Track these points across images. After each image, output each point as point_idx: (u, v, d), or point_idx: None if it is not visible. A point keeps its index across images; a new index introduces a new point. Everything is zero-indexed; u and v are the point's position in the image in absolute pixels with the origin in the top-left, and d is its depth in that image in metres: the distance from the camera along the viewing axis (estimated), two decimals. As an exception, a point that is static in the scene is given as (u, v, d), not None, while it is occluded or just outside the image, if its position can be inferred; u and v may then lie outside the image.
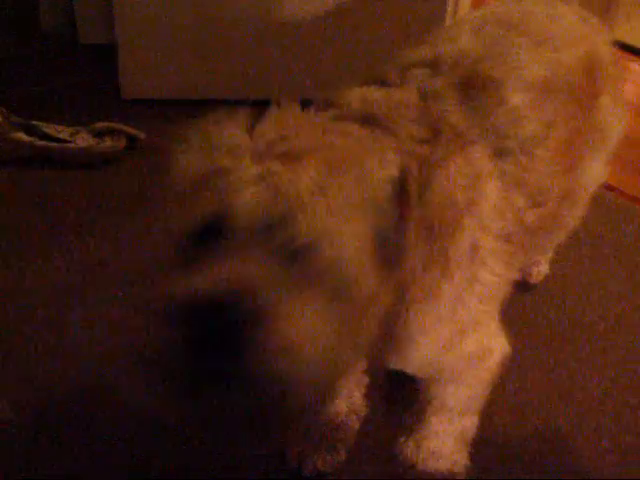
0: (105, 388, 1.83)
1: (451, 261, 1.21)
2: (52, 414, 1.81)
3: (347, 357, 1.00)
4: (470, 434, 1.64)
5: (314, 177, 0.97)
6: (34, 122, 2.69)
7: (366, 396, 1.82)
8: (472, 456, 1.71)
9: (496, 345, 1.46)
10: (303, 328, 0.90)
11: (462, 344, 1.34)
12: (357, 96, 1.28)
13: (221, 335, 0.85)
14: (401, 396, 1.84)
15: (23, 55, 3.39)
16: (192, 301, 0.87)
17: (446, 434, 1.59)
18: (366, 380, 1.81)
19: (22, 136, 2.65)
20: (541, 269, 2.24)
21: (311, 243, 0.93)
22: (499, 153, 1.30)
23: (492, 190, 1.27)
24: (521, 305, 2.19)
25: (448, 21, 2.91)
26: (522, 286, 2.23)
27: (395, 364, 1.41)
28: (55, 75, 3.19)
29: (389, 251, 1.03)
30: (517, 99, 1.35)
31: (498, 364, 1.48)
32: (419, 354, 1.33)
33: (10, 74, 3.22)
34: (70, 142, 2.67)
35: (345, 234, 0.96)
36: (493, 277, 1.29)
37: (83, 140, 2.66)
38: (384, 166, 1.04)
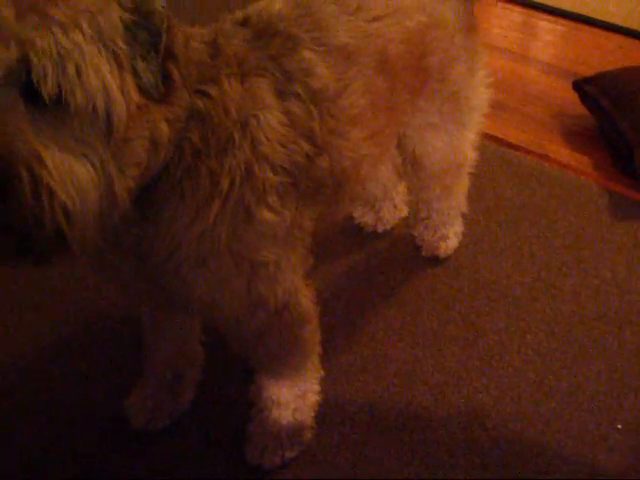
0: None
1: (222, 179, 1.23)
2: None
3: (111, 194, 1.06)
4: (307, 385, 1.66)
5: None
6: None
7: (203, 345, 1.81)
8: (394, 443, 1.71)
9: (300, 300, 1.47)
10: (65, 172, 0.98)
11: (253, 285, 1.34)
12: None
13: None
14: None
15: None
16: None
17: (277, 385, 1.61)
18: (197, 326, 1.78)
19: None
20: (449, 243, 2.20)
21: (59, 86, 0.97)
22: (285, 93, 1.34)
23: (272, 120, 1.29)
24: (433, 281, 2.16)
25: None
26: (432, 261, 2.20)
27: (176, 292, 1.36)
28: None
29: (148, 86, 1.07)
30: (310, 54, 1.39)
31: (303, 321, 1.50)
32: (196, 282, 1.31)
33: None
34: None
35: (90, 72, 0.99)
36: (275, 216, 1.31)
37: None
38: None
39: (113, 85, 1.02)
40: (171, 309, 1.61)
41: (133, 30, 1.05)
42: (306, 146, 1.35)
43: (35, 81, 0.96)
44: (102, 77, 1.00)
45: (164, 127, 1.12)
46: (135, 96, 1.05)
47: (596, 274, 2.18)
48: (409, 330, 2.00)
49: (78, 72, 0.98)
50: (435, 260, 2.21)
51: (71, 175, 0.99)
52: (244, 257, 1.30)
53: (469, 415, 1.79)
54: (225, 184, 1.23)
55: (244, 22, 1.40)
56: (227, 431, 1.75)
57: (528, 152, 2.67)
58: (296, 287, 1.45)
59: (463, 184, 2.10)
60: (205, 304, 1.34)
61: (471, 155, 2.00)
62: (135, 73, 1.05)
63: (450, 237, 2.20)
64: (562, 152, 2.68)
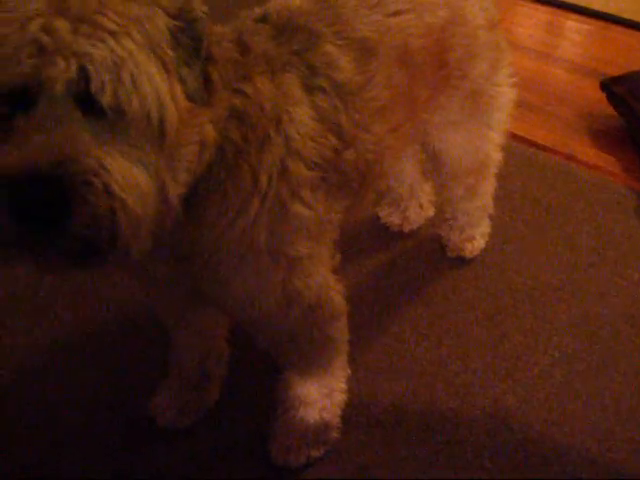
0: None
1: (261, 175, 1.25)
2: None
3: (165, 200, 1.09)
4: (335, 383, 1.67)
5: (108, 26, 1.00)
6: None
7: (230, 343, 1.82)
8: (419, 443, 1.71)
9: (332, 295, 1.48)
10: (125, 177, 0.99)
11: (289, 281, 1.35)
12: None
13: (49, 199, 0.94)
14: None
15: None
16: (20, 174, 0.94)
17: (305, 384, 1.62)
18: (225, 324, 1.79)
19: None
20: (475, 244, 2.20)
21: (118, 97, 0.99)
22: (311, 88, 1.35)
23: (302, 115, 1.31)
24: (459, 281, 2.15)
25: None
26: (458, 261, 2.20)
27: (213, 290, 1.38)
28: None
29: (192, 91, 1.09)
30: (332, 48, 1.40)
31: (334, 317, 1.51)
32: (234, 279, 1.32)
33: None
34: None
35: (144, 80, 1.01)
36: (308, 211, 1.32)
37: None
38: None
39: (165, 92, 1.03)
40: (202, 307, 1.62)
41: (177, 36, 1.07)
42: (334, 140, 1.36)
43: (94, 92, 0.97)
44: (155, 84, 1.02)
45: (210, 129, 1.14)
46: (183, 102, 1.07)
47: (623, 275, 2.17)
48: (435, 330, 2.00)
49: (133, 80, 1.00)
50: (461, 260, 2.21)
51: (133, 181, 1.01)
52: (281, 252, 1.31)
53: (494, 416, 1.79)
54: (264, 181, 1.25)
55: (263, 19, 1.42)
56: (252, 430, 1.75)
57: (555, 152, 2.66)
58: (327, 282, 1.46)
59: (489, 185, 2.09)
60: (242, 301, 1.35)
61: (496, 155, 1.98)
62: (181, 79, 1.07)
63: (476, 238, 2.20)
64: (589, 152, 2.67)
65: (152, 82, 1.02)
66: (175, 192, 1.09)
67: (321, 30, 1.41)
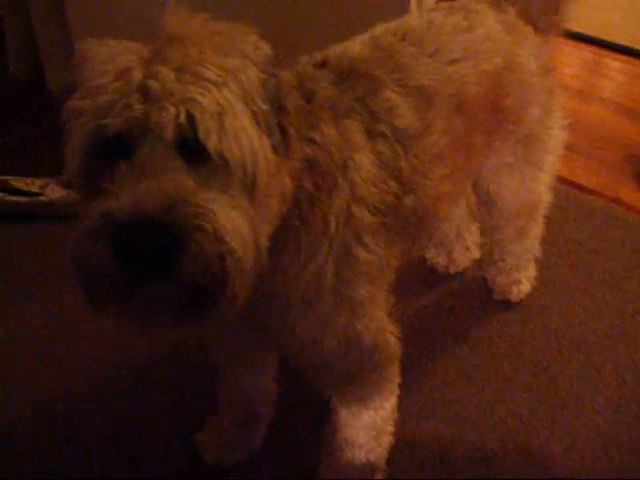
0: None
1: (330, 221, 1.26)
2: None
3: (261, 246, 1.09)
4: (383, 426, 1.64)
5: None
6: (2, 177, 2.65)
7: (277, 383, 1.81)
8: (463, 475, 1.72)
9: (388, 338, 1.49)
10: (230, 224, 1.00)
11: (350, 323, 1.36)
12: None
13: (164, 247, 0.94)
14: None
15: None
16: (130, 219, 0.94)
17: (354, 426, 1.60)
18: (274, 364, 1.78)
19: (-10, 193, 2.61)
20: (522, 287, 2.20)
21: (220, 145, 1.01)
22: (373, 134, 1.37)
23: (365, 162, 1.33)
24: (504, 325, 2.15)
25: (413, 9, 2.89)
26: (504, 305, 2.20)
27: (277, 333, 1.38)
28: (23, 125, 3.16)
29: (276, 142, 1.11)
30: (392, 94, 1.42)
31: (389, 359, 1.51)
32: (299, 323, 1.33)
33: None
34: (40, 195, 2.63)
35: (241, 130, 1.03)
36: (370, 255, 1.34)
37: (53, 192, 2.62)
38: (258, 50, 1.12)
39: (257, 144, 1.05)
40: (255, 347, 1.63)
41: (266, 89, 1.09)
42: (394, 185, 1.38)
43: (202, 138, 0.99)
44: (249, 135, 1.04)
45: (288, 181, 1.16)
46: (270, 154, 1.09)
47: (670, 322, 2.16)
48: (480, 374, 1.99)
49: (233, 129, 1.02)
50: (507, 304, 2.21)
51: (236, 227, 1.02)
52: (344, 296, 1.32)
53: (539, 464, 1.78)
54: (333, 226, 1.27)
55: (322, 64, 1.44)
56: (297, 469, 1.76)
57: (600, 195, 2.66)
58: (385, 325, 1.47)
59: (537, 227, 2.09)
60: (305, 345, 1.36)
61: (546, 197, 2.00)
62: (268, 131, 1.09)
63: (523, 281, 2.20)
64: (635, 196, 2.66)
65: (248, 133, 1.04)
66: (263, 242, 1.10)
67: (381, 77, 1.43)
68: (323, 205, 1.25)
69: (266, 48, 1.13)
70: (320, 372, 1.48)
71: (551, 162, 1.90)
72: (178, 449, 1.81)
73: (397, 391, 1.62)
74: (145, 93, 1.00)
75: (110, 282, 1.00)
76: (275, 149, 1.10)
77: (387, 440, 1.68)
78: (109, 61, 1.05)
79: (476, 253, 2.35)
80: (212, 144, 1.00)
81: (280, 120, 1.13)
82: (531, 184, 1.88)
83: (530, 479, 1.76)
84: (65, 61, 3.14)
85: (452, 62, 1.53)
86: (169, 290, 1.00)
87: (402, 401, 1.76)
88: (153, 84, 1.00)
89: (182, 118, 0.99)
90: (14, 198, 2.63)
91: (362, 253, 1.32)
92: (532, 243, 2.13)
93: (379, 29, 1.58)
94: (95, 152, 1.05)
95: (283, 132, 1.14)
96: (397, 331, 1.51)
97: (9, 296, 2.31)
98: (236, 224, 1.02)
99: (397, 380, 1.59)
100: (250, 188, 1.05)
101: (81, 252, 1.00)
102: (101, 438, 1.85)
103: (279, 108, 1.13)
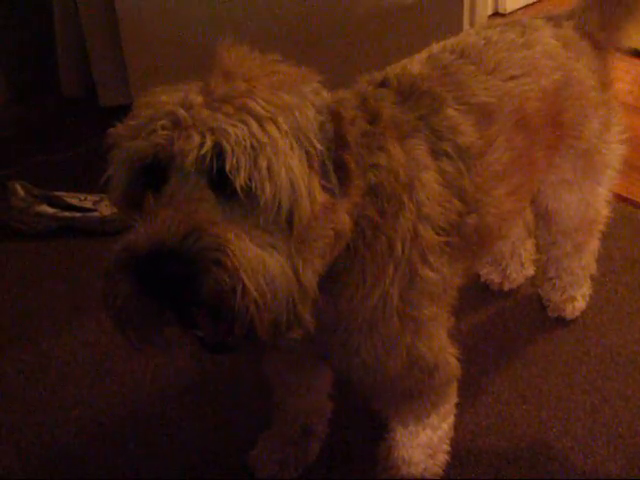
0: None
1: (396, 243, 1.25)
2: None
3: (305, 284, 1.07)
4: (440, 445, 1.66)
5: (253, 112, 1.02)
6: (56, 193, 2.70)
7: (332, 399, 1.82)
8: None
9: (448, 358, 1.49)
10: (250, 261, 0.98)
11: (413, 344, 1.36)
12: None
13: (180, 276, 0.95)
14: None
15: (43, 121, 3.42)
16: (146, 250, 0.95)
17: (411, 445, 1.61)
18: (329, 380, 1.78)
19: (45, 208, 2.65)
20: (576, 305, 2.18)
21: (251, 180, 0.99)
22: (437, 153, 1.38)
23: (430, 181, 1.33)
24: (559, 343, 2.13)
25: (466, 27, 2.91)
26: (558, 322, 2.18)
27: (340, 356, 1.39)
28: (76, 141, 3.20)
29: (330, 181, 1.09)
30: (454, 112, 1.43)
31: (449, 380, 1.52)
32: (364, 346, 1.33)
33: (30, 143, 3.25)
34: (94, 210, 2.67)
35: (281, 169, 1.01)
36: (435, 275, 1.34)
37: (107, 208, 2.65)
38: (318, 94, 1.12)
39: (301, 185, 1.03)
40: (311, 367, 1.63)
41: (323, 130, 1.09)
42: (458, 204, 1.38)
43: (228, 171, 0.98)
44: (291, 176, 1.02)
45: (346, 219, 1.14)
46: (320, 197, 1.06)
47: None
48: (534, 392, 1.97)
49: (269, 167, 1.00)
50: (561, 321, 2.19)
51: (262, 266, 1.00)
52: (409, 316, 1.32)
53: (596, 484, 1.76)
54: (398, 248, 1.26)
55: (382, 83, 1.44)
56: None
57: (657, 214, 2.62)
58: (446, 345, 1.47)
59: (594, 243, 2.08)
60: (367, 366, 1.36)
61: (604, 212, 1.99)
62: (323, 173, 1.08)
63: (577, 299, 2.18)
64: (692, 214, 2.62)
65: (289, 173, 1.02)
66: (308, 278, 1.07)
67: (443, 95, 1.44)
68: (388, 230, 1.25)
69: (327, 97, 1.13)
70: (380, 392, 1.48)
71: (610, 177, 1.89)
72: (228, 465, 1.82)
73: (454, 411, 1.62)
74: (174, 121, 1.01)
75: (135, 313, 1.03)
76: (330, 191, 1.09)
77: (442, 458, 1.68)
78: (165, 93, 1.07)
79: (531, 270, 2.33)
80: (240, 179, 0.98)
81: (341, 155, 1.11)
82: (590, 199, 1.87)
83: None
84: (116, 77, 3.21)
85: (511, 78, 1.54)
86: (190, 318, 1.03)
87: (456, 418, 1.76)
88: (181, 111, 1.01)
89: (207, 148, 0.98)
90: (68, 214, 2.67)
91: (427, 273, 1.32)
92: (588, 260, 2.11)
93: (436, 47, 1.59)
94: (132, 183, 1.07)
95: (344, 168, 1.12)
96: (457, 352, 1.51)
97: (64, 311, 2.34)
98: (259, 260, 1.00)
99: (455, 400, 1.60)
100: (287, 227, 1.03)
101: (105, 285, 1.03)
102: (152, 450, 1.87)
103: (340, 143, 1.11)
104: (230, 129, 0.99)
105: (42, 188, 2.73)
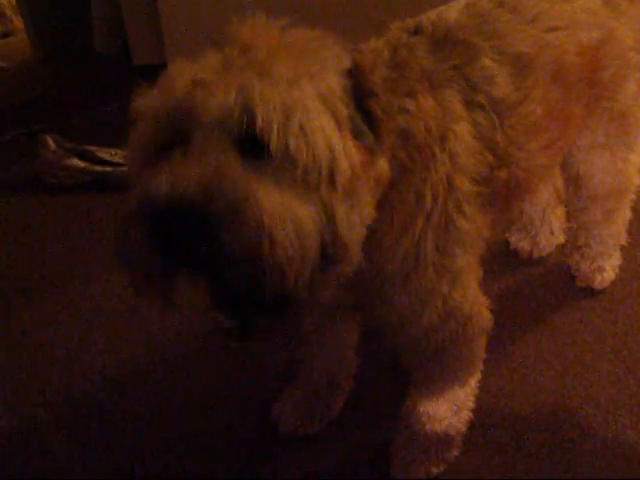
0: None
1: (427, 193, 1.25)
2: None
3: (340, 242, 1.05)
4: (465, 402, 1.66)
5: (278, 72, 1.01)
6: (87, 147, 2.71)
7: (358, 354, 1.82)
8: (538, 471, 1.70)
9: (481, 309, 1.48)
10: (281, 213, 0.96)
11: (449, 294, 1.36)
12: None
13: (198, 229, 0.92)
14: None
15: (77, 79, 3.43)
16: (169, 200, 0.92)
17: (438, 400, 1.60)
18: (356, 335, 1.79)
19: (76, 162, 2.67)
20: (605, 275, 2.16)
21: (278, 142, 0.98)
22: (471, 104, 1.36)
23: (464, 132, 1.31)
24: (586, 312, 2.12)
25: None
26: (586, 292, 2.17)
27: (375, 308, 1.38)
28: (109, 98, 3.22)
29: (365, 138, 1.09)
30: (490, 62, 1.40)
31: (482, 331, 1.51)
32: (399, 297, 1.33)
33: (64, 99, 3.27)
34: (124, 165, 2.67)
35: (315, 131, 1.00)
36: (469, 224, 1.33)
37: (137, 162, 2.66)
38: (340, 59, 1.11)
39: (338, 147, 1.03)
40: (340, 319, 1.64)
41: (351, 94, 1.08)
42: (489, 157, 1.37)
43: (259, 133, 0.97)
44: (326, 137, 1.02)
45: (383, 166, 1.14)
46: (357, 156, 1.06)
47: None
48: (560, 360, 1.97)
49: (302, 128, 0.99)
50: (590, 291, 2.18)
51: (290, 217, 0.97)
52: (445, 266, 1.32)
53: (616, 451, 1.75)
54: (429, 200, 1.25)
55: (416, 31, 1.42)
56: (374, 441, 1.76)
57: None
58: (478, 295, 1.47)
59: (624, 211, 2.07)
60: (403, 318, 1.36)
61: (636, 181, 1.97)
62: (355, 134, 1.07)
63: (607, 269, 2.17)
64: None
65: (324, 134, 1.01)
66: (351, 234, 1.06)
67: (479, 44, 1.41)
68: (417, 179, 1.24)
69: (348, 61, 1.12)
70: (413, 345, 1.48)
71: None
72: (251, 416, 1.84)
73: (481, 367, 1.61)
74: (195, 81, 1.01)
75: (148, 266, 1.00)
76: (367, 148, 1.08)
77: (467, 416, 1.68)
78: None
79: (560, 238, 2.32)
80: (273, 141, 0.97)
81: (369, 104, 1.10)
82: (622, 165, 1.86)
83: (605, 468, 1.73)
84: (151, 37, 3.22)
85: (551, 30, 1.51)
86: (206, 277, 1.01)
87: (480, 380, 1.76)
88: (202, 74, 1.01)
89: (231, 102, 0.97)
90: (99, 167, 2.68)
91: (463, 223, 1.31)
92: (619, 229, 2.10)
93: None
94: (151, 145, 1.06)
95: (372, 116, 1.10)
96: (489, 303, 1.51)
97: (92, 262, 2.37)
98: (290, 213, 0.97)
99: (483, 356, 1.59)
100: (330, 187, 1.02)
101: (119, 237, 1.01)
102: (177, 399, 1.91)
103: (365, 93, 1.10)
104: (257, 87, 0.98)
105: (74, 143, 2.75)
